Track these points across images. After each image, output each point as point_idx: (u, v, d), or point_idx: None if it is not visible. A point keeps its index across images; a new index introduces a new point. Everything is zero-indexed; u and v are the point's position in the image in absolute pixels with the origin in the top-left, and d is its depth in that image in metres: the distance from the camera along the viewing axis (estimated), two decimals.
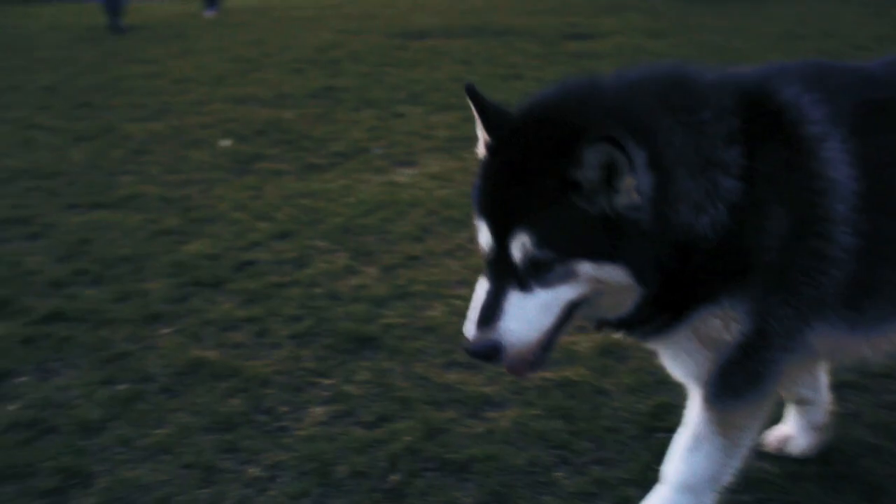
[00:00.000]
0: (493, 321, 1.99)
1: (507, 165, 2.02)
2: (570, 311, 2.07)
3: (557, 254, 1.95)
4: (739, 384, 2.24)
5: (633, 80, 2.13)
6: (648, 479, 2.63)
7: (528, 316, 2.00)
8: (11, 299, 4.39)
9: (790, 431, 2.95)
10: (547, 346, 2.09)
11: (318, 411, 3.36)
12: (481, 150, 2.17)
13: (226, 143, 7.23)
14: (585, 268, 1.97)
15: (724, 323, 2.14)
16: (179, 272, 4.63)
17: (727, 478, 2.39)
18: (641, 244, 1.95)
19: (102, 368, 3.72)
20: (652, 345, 2.34)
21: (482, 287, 2.05)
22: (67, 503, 2.90)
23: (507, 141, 2.07)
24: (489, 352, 1.99)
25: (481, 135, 2.16)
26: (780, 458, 2.89)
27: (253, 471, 3.01)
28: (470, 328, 2.01)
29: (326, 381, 3.55)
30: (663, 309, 2.14)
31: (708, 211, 2.01)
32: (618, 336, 2.35)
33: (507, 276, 2.00)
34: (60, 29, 15.03)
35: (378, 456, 3.05)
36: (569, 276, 1.98)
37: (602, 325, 2.24)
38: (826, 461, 2.87)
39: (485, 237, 2.06)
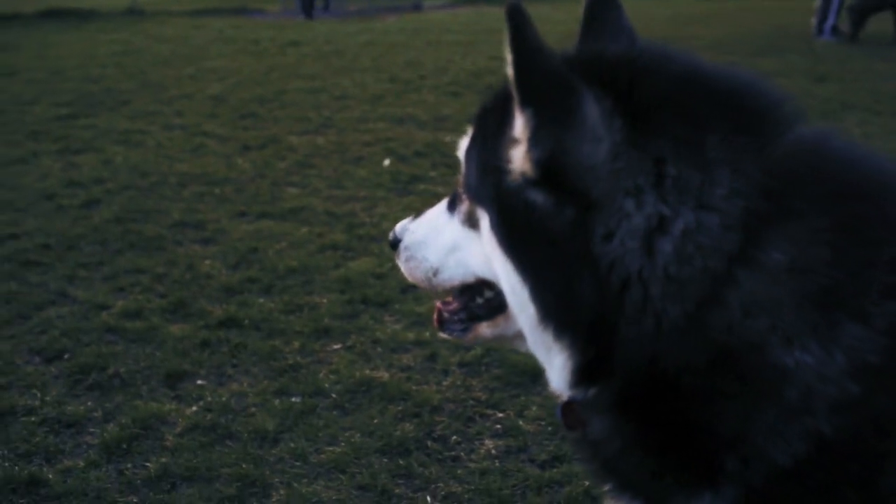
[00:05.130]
0: (417, 218, 1.70)
1: None
2: (491, 290, 1.51)
3: (466, 180, 1.45)
4: None
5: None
6: None
7: (432, 234, 1.61)
8: (189, 302, 4.53)
9: None
10: (458, 310, 1.61)
11: (490, 444, 3.30)
12: None
13: (386, 162, 7.32)
14: (486, 227, 1.39)
15: None
16: (347, 288, 4.68)
17: None
18: (570, 267, 1.25)
19: (276, 379, 3.78)
20: None
21: None
22: None
23: None
24: (392, 241, 1.70)
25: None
26: None
27: (428, 500, 2.98)
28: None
29: (498, 414, 3.49)
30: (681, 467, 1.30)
31: (810, 349, 1.17)
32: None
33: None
34: (226, 41, 15.66)
35: (555, 498, 2.97)
36: (474, 225, 1.44)
37: (566, 417, 1.46)
38: None
39: None
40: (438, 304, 1.65)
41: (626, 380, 1.27)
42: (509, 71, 1.23)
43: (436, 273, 1.58)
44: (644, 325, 1.22)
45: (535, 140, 1.22)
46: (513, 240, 1.31)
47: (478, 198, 1.40)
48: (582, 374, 1.32)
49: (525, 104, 1.21)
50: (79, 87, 10.75)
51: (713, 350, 1.20)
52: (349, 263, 5.06)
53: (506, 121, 1.33)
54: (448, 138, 8.09)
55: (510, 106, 1.31)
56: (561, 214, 1.24)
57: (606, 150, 1.20)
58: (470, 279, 1.52)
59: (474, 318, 1.58)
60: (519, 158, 1.27)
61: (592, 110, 1.20)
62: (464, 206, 1.47)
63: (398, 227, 1.70)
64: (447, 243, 1.54)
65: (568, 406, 1.44)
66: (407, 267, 1.66)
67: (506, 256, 1.32)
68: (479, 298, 1.55)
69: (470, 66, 12.27)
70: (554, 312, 1.28)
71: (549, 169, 1.22)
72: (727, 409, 1.22)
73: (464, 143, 1.50)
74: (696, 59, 1.38)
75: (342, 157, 7.54)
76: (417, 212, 1.72)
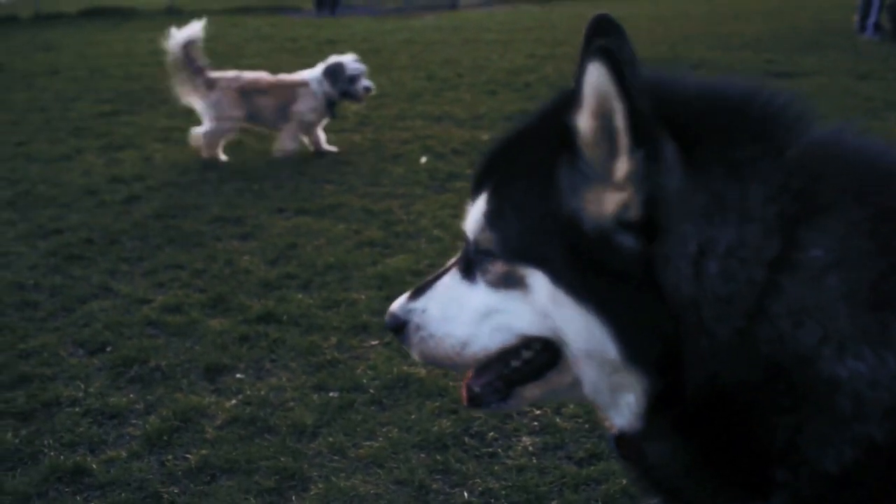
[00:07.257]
0: (419, 295, 1.56)
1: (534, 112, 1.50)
2: (529, 350, 1.45)
3: (502, 243, 1.39)
4: None
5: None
6: None
7: (453, 306, 1.50)
8: (228, 297, 4.58)
9: None
10: (492, 379, 1.50)
11: (527, 441, 3.30)
12: None
13: (423, 159, 7.34)
14: (540, 283, 1.35)
15: None
16: (384, 285, 4.70)
17: None
18: (642, 299, 1.26)
19: (314, 374, 3.81)
20: None
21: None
22: None
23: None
24: (393, 324, 1.56)
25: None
26: None
27: (465, 495, 2.99)
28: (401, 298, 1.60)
29: (535, 411, 3.49)
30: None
31: (863, 356, 1.16)
32: None
33: (463, 253, 1.53)
34: (263, 39, 15.79)
35: (592, 495, 2.96)
36: (516, 285, 1.38)
37: (622, 449, 1.46)
38: None
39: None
40: (467, 379, 1.54)
41: (690, 403, 1.27)
42: (619, 120, 1.20)
43: (465, 346, 1.46)
44: (701, 346, 1.23)
45: (643, 181, 1.23)
46: (587, 286, 1.29)
47: (525, 256, 1.36)
48: (652, 406, 1.31)
49: (636, 148, 1.22)
50: (120, 84, 10.90)
51: (767, 365, 1.20)
52: (386, 260, 5.08)
53: (555, 174, 1.32)
54: (485, 136, 8.09)
55: (551, 159, 1.32)
56: (637, 250, 1.25)
57: (678, 179, 1.23)
58: (512, 342, 1.43)
59: (513, 382, 1.49)
60: (614, 203, 1.25)
61: (670, 144, 1.23)
62: (495, 269, 1.40)
63: (397, 308, 1.56)
64: (477, 311, 1.45)
65: (621, 438, 1.43)
66: (424, 347, 1.52)
67: (580, 304, 1.29)
68: (515, 361, 1.47)
69: (507, 65, 12.25)
70: (636, 349, 1.28)
71: (648, 208, 1.24)
72: (781, 423, 1.21)
73: (476, 212, 1.44)
74: (693, 76, 1.39)
75: (379, 154, 7.57)
76: (419, 274, 1.59)
